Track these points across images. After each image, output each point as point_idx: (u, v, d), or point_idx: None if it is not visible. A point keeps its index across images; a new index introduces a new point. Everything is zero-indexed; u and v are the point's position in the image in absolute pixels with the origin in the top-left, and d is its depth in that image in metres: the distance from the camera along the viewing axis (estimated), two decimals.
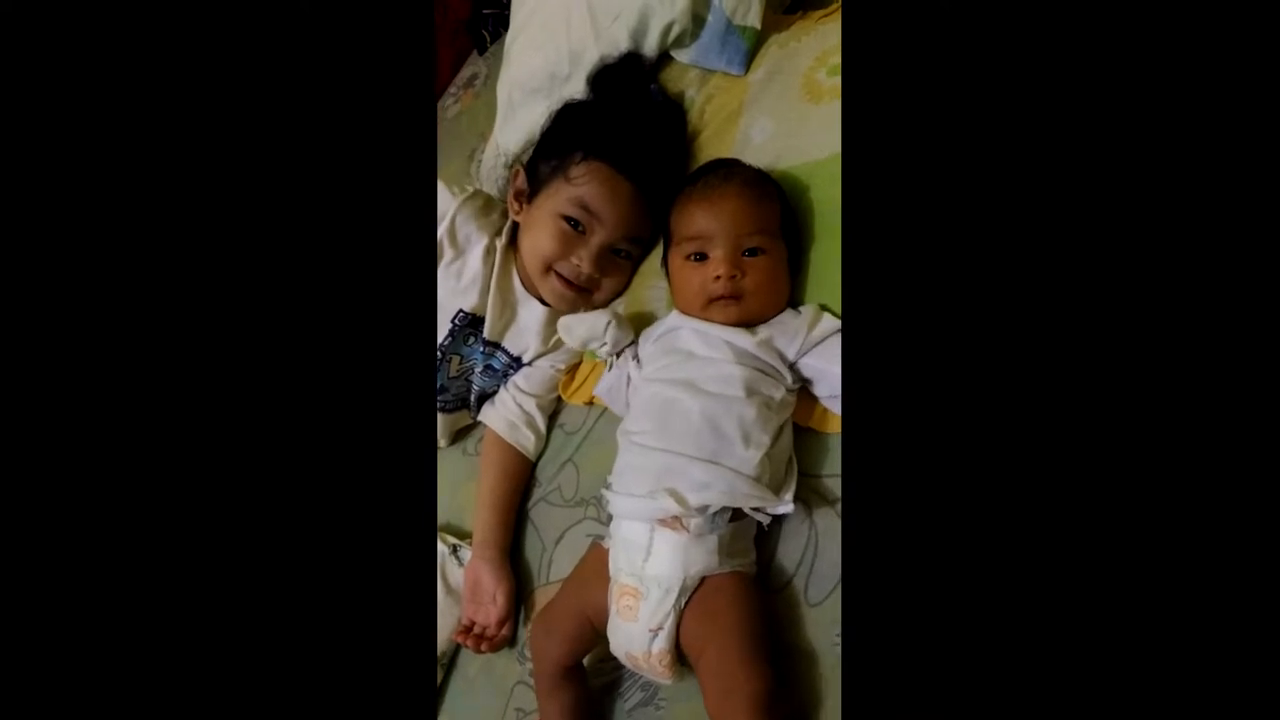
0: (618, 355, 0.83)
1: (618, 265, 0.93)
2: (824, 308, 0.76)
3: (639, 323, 0.88)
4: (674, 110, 1.01)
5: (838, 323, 0.73)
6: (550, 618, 0.77)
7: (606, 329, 0.82)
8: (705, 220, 0.76)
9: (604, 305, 0.97)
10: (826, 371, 0.71)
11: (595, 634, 0.73)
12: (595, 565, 0.74)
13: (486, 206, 1.01)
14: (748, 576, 0.69)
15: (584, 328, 0.84)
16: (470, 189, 1.02)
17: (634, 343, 0.84)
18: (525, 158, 1.04)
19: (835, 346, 0.71)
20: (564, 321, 0.86)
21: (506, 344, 0.99)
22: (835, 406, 0.72)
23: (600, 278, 0.92)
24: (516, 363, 0.99)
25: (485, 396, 1.03)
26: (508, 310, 0.97)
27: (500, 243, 0.98)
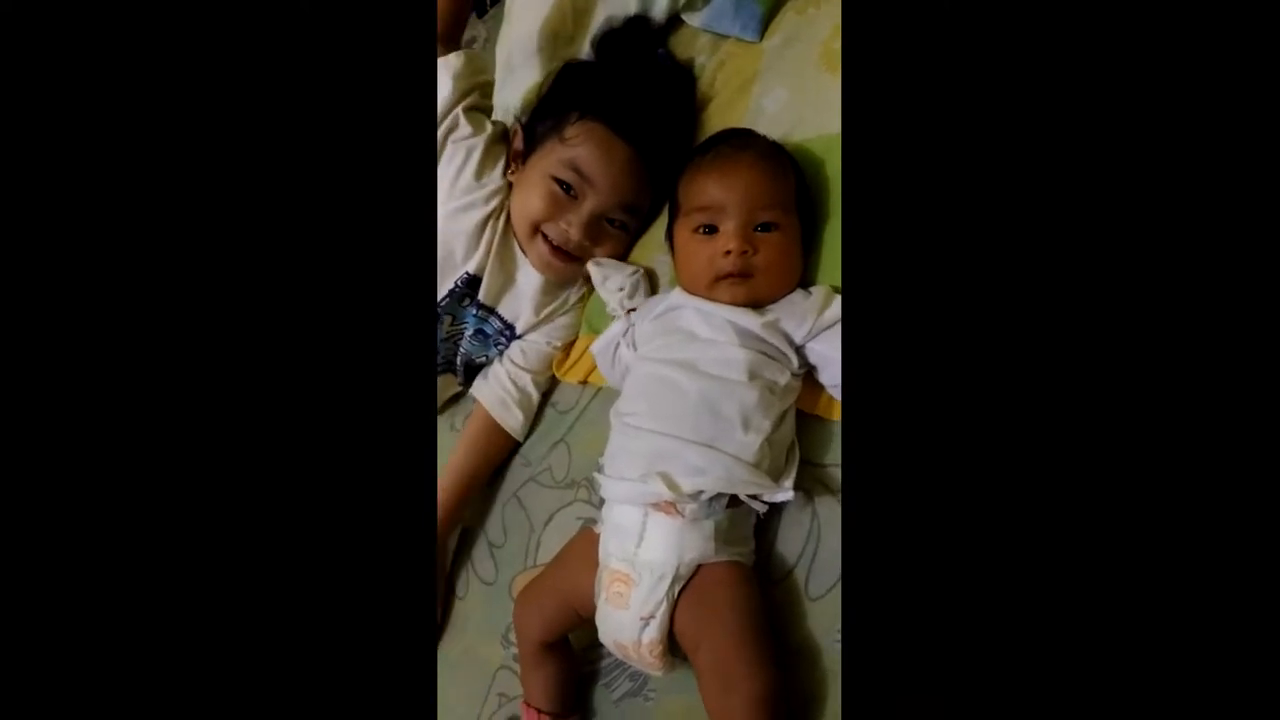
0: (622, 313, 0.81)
1: (611, 235, 0.89)
2: (836, 289, 0.72)
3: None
4: (682, 76, 0.97)
5: None
6: (532, 595, 0.77)
7: (633, 276, 0.82)
8: (716, 191, 0.72)
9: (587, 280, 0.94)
10: (833, 359, 0.68)
11: (577, 617, 0.72)
12: (583, 549, 0.72)
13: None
14: (746, 568, 0.67)
15: (616, 271, 0.84)
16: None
17: (632, 310, 0.81)
18: (525, 119, 1.00)
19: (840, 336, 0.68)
20: (594, 266, 0.86)
21: (501, 309, 0.95)
22: (838, 394, 0.69)
23: (591, 246, 0.88)
24: (509, 330, 0.96)
25: (471, 364, 0.99)
26: (505, 274, 0.94)
27: (506, 204, 0.94)
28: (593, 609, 0.69)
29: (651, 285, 0.86)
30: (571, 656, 0.77)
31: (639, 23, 0.99)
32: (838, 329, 0.69)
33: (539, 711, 0.75)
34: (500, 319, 0.95)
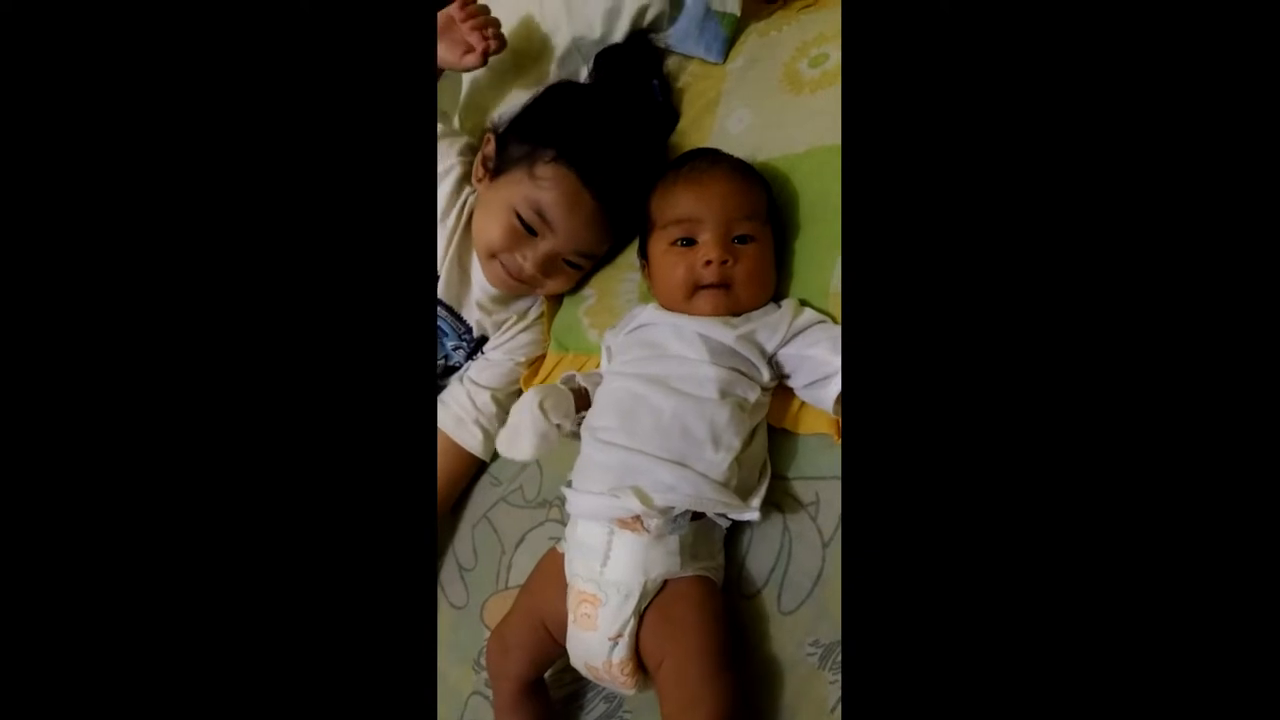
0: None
1: (564, 271, 0.90)
2: (804, 303, 0.73)
3: (611, 315, 0.84)
4: (669, 115, 0.96)
5: (820, 316, 0.71)
6: (506, 633, 0.73)
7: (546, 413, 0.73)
8: (693, 203, 0.73)
9: (547, 296, 0.95)
10: (805, 357, 0.69)
11: (556, 645, 0.70)
12: (551, 571, 0.71)
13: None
14: (712, 582, 0.67)
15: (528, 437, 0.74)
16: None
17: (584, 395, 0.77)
18: (501, 129, 0.99)
19: (815, 334, 0.69)
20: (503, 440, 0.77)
21: (461, 310, 0.95)
22: (810, 396, 0.70)
23: (543, 279, 0.89)
24: (468, 331, 0.95)
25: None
26: (463, 274, 0.94)
27: (467, 204, 0.94)
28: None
29: (612, 314, 0.85)
30: (549, 703, 0.74)
31: (640, 44, 0.97)
32: (809, 332, 0.70)
33: None
34: (455, 315, 0.94)
